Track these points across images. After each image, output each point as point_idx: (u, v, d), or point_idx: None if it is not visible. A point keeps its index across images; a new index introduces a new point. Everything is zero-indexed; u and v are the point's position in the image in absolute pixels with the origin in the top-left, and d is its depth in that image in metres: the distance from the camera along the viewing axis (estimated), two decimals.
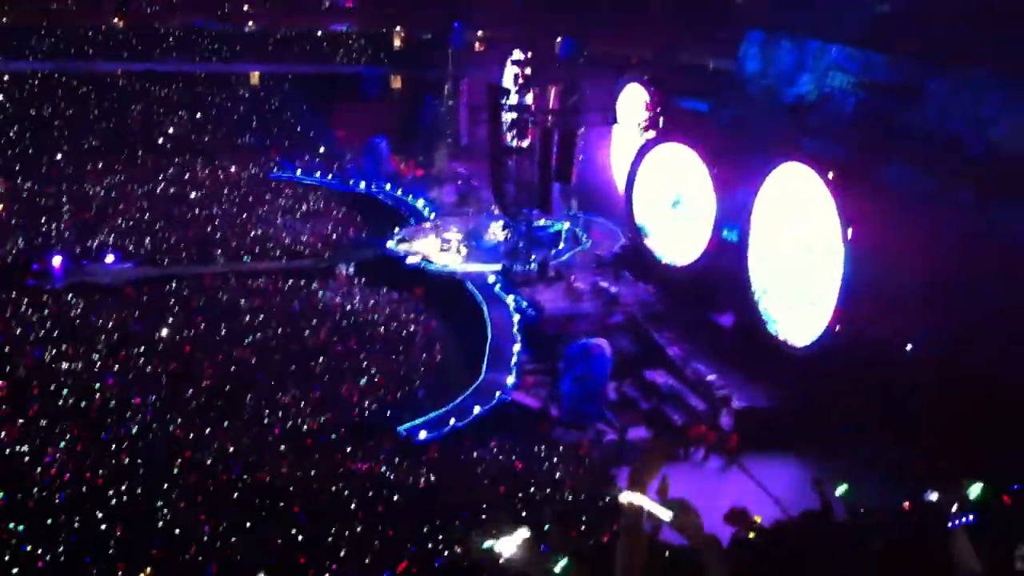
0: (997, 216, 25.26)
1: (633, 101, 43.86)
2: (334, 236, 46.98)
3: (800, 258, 30.54)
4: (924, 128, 28.46)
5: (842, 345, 28.17)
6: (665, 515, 6.39)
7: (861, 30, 32.02)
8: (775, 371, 31.44)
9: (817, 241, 29.40)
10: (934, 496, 9.65)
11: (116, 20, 64.78)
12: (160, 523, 22.17)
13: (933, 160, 27.77)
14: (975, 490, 10.33)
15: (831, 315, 28.51)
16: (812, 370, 29.41)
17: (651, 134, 40.27)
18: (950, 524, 8.30)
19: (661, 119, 40.51)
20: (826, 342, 28.85)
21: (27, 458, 24.62)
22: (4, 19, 62.49)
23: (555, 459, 27.14)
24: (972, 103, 26.98)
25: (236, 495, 23.64)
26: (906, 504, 12.64)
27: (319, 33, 68.94)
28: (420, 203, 51.15)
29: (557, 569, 7.52)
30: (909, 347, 26.08)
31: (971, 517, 9.06)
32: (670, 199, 38.39)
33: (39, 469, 23.94)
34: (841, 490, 13.67)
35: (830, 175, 28.90)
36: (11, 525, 20.86)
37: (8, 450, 24.99)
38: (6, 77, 62.57)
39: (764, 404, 30.84)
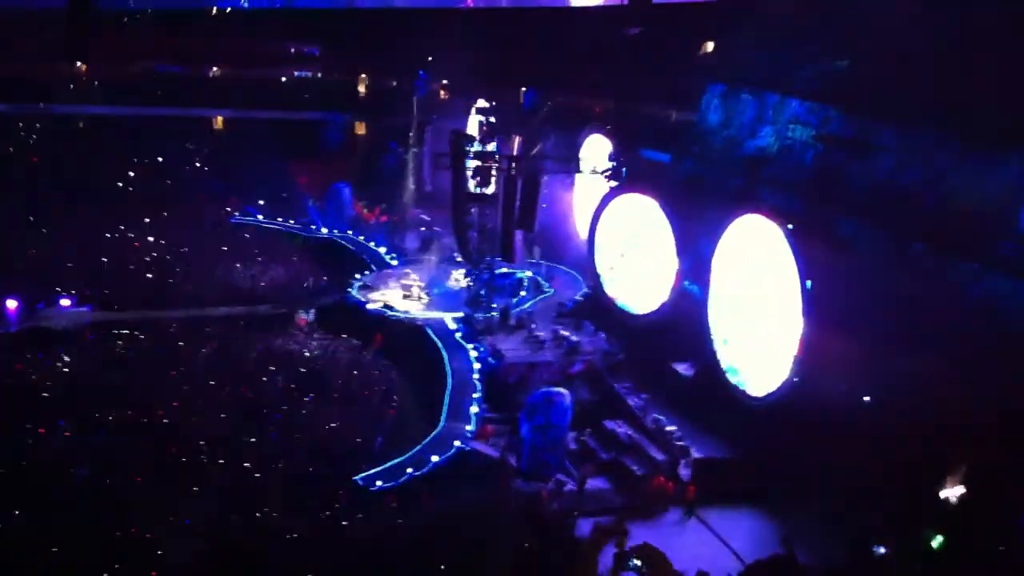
0: (949, 270, 25.61)
1: (596, 151, 44.16)
2: (295, 281, 46.60)
3: (759, 309, 30.66)
4: (879, 182, 28.89)
5: (800, 396, 28.21)
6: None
7: (819, 84, 32.58)
8: (735, 422, 31.46)
9: (776, 292, 29.54)
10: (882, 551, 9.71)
11: (78, 64, 64.41)
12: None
13: (887, 214, 28.14)
14: (935, 541, 10.41)
15: (789, 366, 28.59)
16: (771, 421, 29.43)
17: (613, 184, 40.51)
18: None
19: (623, 169, 40.80)
20: (784, 393, 28.90)
21: None
22: None
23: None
24: (925, 158, 27.44)
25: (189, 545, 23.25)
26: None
27: (283, 79, 69.01)
28: (382, 250, 51.02)
29: None
30: (866, 399, 26.17)
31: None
32: (631, 249, 38.51)
33: None
34: None
35: (789, 227, 29.15)
36: None
37: None
38: None
39: (723, 455, 30.83)
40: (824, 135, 31.93)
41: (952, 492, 22.64)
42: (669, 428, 31.80)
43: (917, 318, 24.52)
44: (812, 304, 27.85)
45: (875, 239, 28.36)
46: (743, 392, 31.34)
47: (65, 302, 41.18)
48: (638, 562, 22.03)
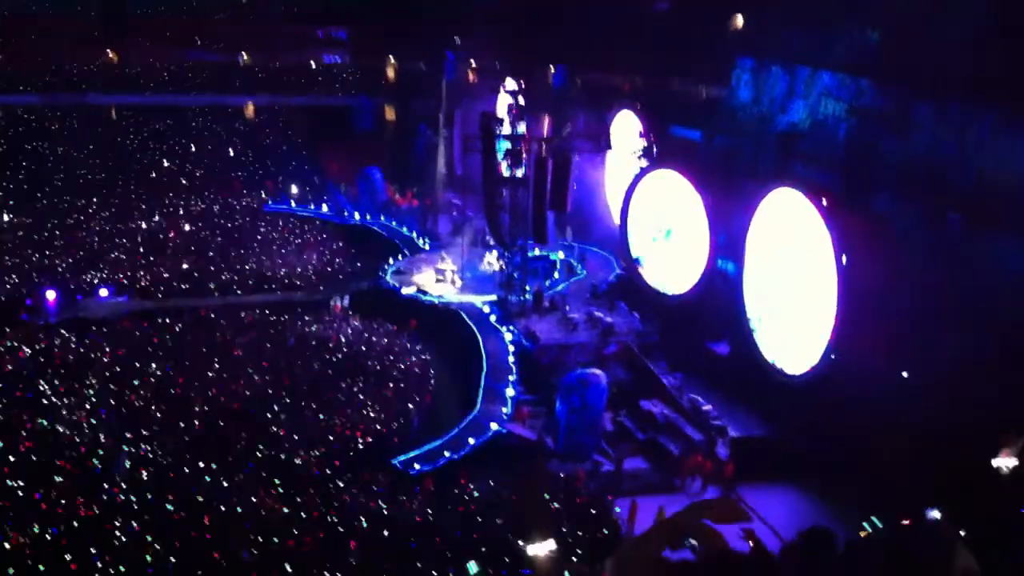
0: (985, 244, 25.30)
1: (626, 129, 43.94)
2: (329, 268, 46.90)
3: (794, 285, 30.47)
4: (914, 156, 28.54)
5: (837, 374, 28.05)
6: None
7: (851, 57, 32.17)
8: (771, 400, 31.35)
9: (811, 268, 29.34)
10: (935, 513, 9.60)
11: (110, 54, 64.95)
12: (151, 559, 22.13)
13: (923, 188, 27.82)
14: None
15: (826, 343, 28.41)
16: (808, 399, 29.30)
17: (644, 162, 40.34)
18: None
19: (654, 147, 40.61)
20: (821, 370, 28.75)
21: (20, 494, 24.52)
22: None
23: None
24: (960, 131, 27.06)
25: (230, 531, 23.51)
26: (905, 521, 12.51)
27: (313, 65, 69.20)
28: (415, 234, 51.13)
29: None
30: (904, 375, 25.98)
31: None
32: (664, 228, 38.39)
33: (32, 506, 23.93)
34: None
35: (824, 202, 28.90)
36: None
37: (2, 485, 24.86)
38: None
39: (760, 433, 30.74)
40: (857, 108, 31.54)
41: (1003, 462, 22.48)
42: (705, 407, 31.74)
43: (954, 292, 24.27)
44: (848, 280, 27.64)
45: (910, 213, 28.07)
46: (780, 370, 31.21)
47: (103, 292, 41.66)
48: (693, 541, 21.90)
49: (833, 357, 28.20)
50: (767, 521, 27.08)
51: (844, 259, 27.68)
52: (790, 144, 34.17)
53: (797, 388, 30.15)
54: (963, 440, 22.45)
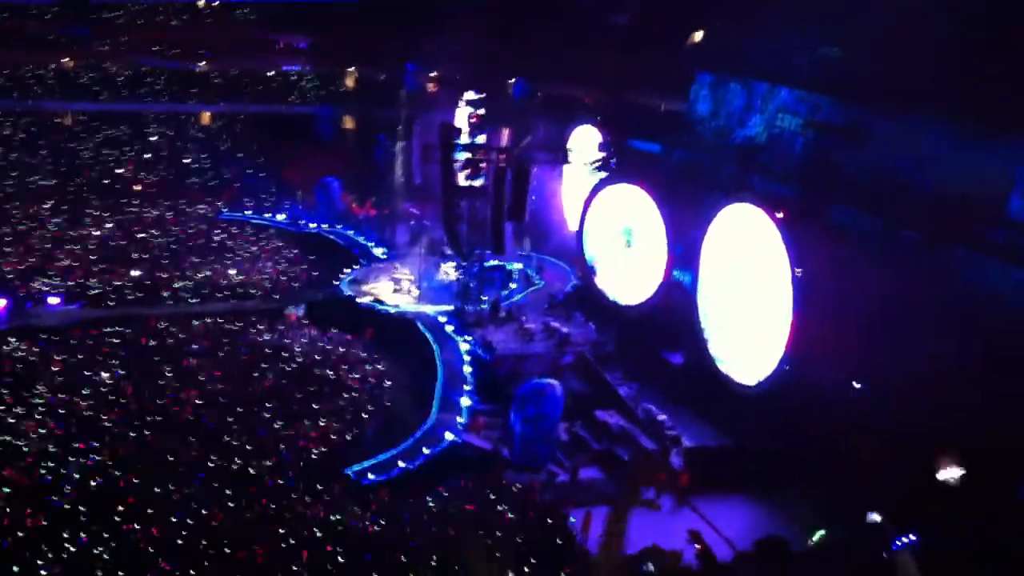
0: (942, 255, 25.62)
1: (585, 141, 44.08)
2: (284, 277, 46.50)
3: (749, 297, 30.65)
4: (870, 168, 28.86)
5: (791, 384, 28.23)
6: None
7: (808, 72, 32.52)
8: (726, 410, 31.50)
9: (766, 280, 29.53)
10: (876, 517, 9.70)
11: (66, 60, 64.02)
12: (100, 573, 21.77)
13: (879, 200, 28.12)
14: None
15: (780, 354, 28.57)
16: (762, 409, 29.45)
17: (603, 174, 40.46)
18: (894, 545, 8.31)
19: (613, 159, 40.76)
20: (775, 381, 28.91)
21: None
22: None
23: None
24: (915, 144, 27.40)
25: (181, 542, 23.14)
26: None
27: (272, 73, 68.73)
28: (372, 243, 50.87)
29: None
30: (857, 386, 26.19)
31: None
32: (621, 239, 38.49)
33: None
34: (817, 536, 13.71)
35: (779, 215, 29.12)
36: None
37: None
38: None
39: (714, 443, 30.86)
40: (814, 123, 31.88)
41: (948, 474, 22.68)
42: (660, 417, 31.83)
43: (908, 304, 24.51)
44: (802, 292, 27.84)
45: (866, 226, 28.35)
46: (734, 380, 31.36)
47: (54, 300, 40.94)
48: (651, 566, 22.30)
49: (787, 368, 28.36)
50: (721, 532, 27.23)
51: (799, 271, 27.89)
52: (748, 157, 34.45)
53: (751, 398, 30.29)
54: (916, 448, 22.67)
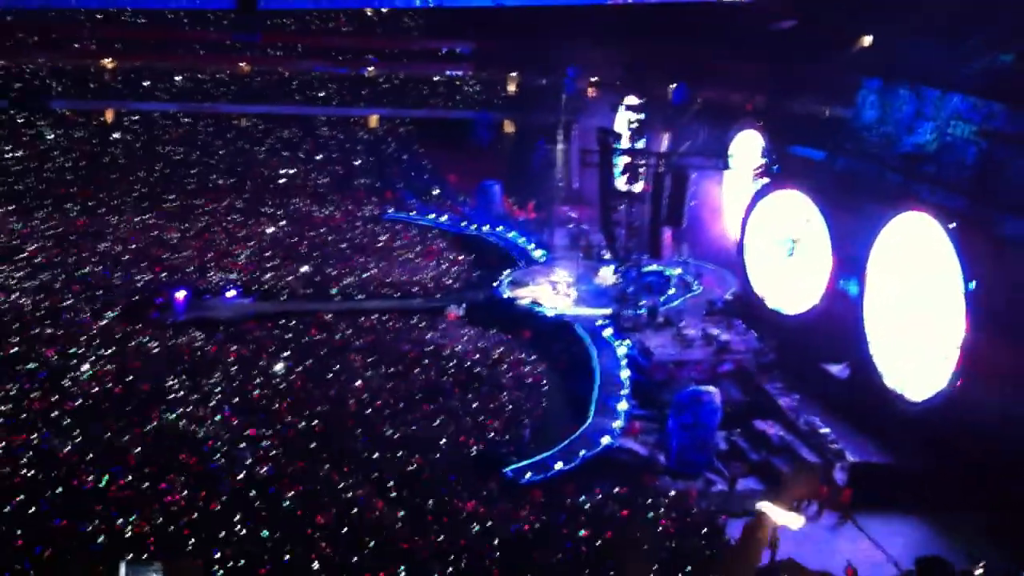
0: None
1: (747, 147, 43.60)
2: (446, 277, 47.66)
3: (919, 310, 29.79)
4: None
5: (962, 402, 27.29)
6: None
7: (982, 79, 31.33)
8: (890, 425, 30.68)
9: (937, 294, 28.65)
10: None
11: (242, 64, 67.43)
12: (266, 556, 22.91)
13: None
14: None
15: (952, 370, 27.68)
16: (930, 426, 28.57)
17: (765, 180, 39.94)
18: None
19: (775, 165, 40.18)
20: (946, 398, 28.02)
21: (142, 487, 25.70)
22: (136, 62, 65.62)
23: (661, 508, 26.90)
24: None
25: (344, 532, 24.16)
26: None
27: (436, 78, 70.54)
28: (531, 246, 51.53)
29: None
30: None
31: None
32: (784, 247, 37.93)
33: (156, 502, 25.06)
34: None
35: (952, 225, 28.24)
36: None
37: (127, 477, 26.08)
38: (136, 117, 66.03)
39: (879, 459, 30.08)
40: (987, 131, 30.66)
41: None
42: (823, 430, 31.19)
43: None
44: (975, 306, 26.92)
45: None
46: (900, 396, 30.52)
47: (230, 293, 43.15)
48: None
49: (957, 386, 27.45)
50: (885, 550, 26.59)
51: (972, 284, 26.97)
52: (916, 166, 33.43)
53: (917, 416, 29.44)
54: None
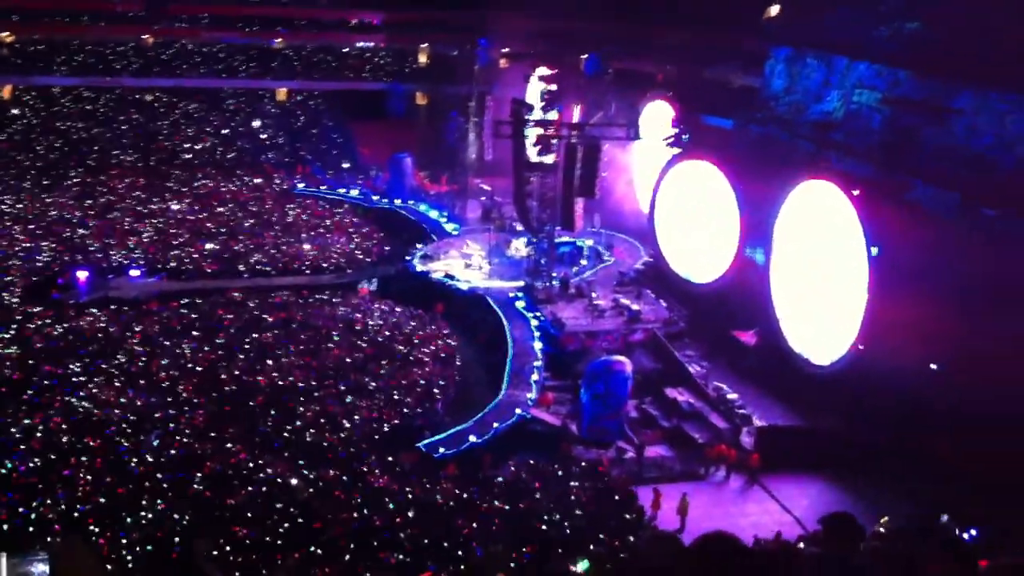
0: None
1: (658, 117, 43.73)
2: (357, 251, 47.07)
3: (825, 276, 30.24)
4: (951, 145, 28.16)
5: (866, 365, 27.81)
6: None
7: (888, 47, 31.77)
8: (798, 390, 31.18)
9: (842, 259, 29.09)
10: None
11: (146, 36, 65.43)
12: (177, 538, 22.34)
13: (960, 178, 27.44)
14: None
15: (855, 334, 28.17)
16: (835, 390, 29.09)
17: (675, 150, 40.12)
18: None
19: (685, 135, 40.38)
20: (849, 361, 28.53)
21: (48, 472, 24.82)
22: (35, 35, 63.22)
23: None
24: (1000, 120, 26.64)
25: (255, 510, 23.69)
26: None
27: (346, 50, 69.44)
28: (444, 219, 51.18)
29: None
30: (934, 367, 25.68)
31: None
32: (693, 216, 38.18)
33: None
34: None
35: (855, 192, 28.65)
36: None
37: (32, 462, 25.14)
38: (33, 92, 63.60)
39: (786, 423, 30.58)
40: (893, 98, 31.14)
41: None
42: (731, 396, 31.61)
43: (988, 283, 23.92)
44: (879, 270, 27.38)
45: (946, 203, 27.67)
46: (807, 360, 31.02)
47: (135, 272, 42.00)
48: None
49: (861, 348, 27.96)
50: (791, 511, 27.04)
51: (875, 250, 27.42)
52: (823, 134, 33.86)
53: (825, 379, 29.95)
54: (996, 432, 22.14)
